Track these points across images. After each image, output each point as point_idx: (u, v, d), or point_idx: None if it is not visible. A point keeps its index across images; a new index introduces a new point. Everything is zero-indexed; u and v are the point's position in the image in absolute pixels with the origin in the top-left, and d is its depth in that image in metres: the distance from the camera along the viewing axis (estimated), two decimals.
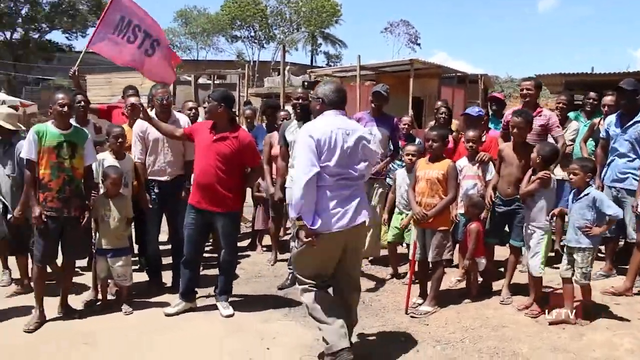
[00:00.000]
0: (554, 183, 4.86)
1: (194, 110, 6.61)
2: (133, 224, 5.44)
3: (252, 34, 47.47)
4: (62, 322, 4.65)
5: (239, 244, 5.61)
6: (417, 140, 7.22)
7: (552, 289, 5.28)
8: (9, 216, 5.19)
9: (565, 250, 4.80)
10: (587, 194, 4.60)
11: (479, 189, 5.51)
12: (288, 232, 6.69)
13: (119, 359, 4.04)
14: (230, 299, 5.03)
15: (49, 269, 4.79)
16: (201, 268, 5.40)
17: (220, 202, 4.77)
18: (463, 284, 5.56)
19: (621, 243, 6.06)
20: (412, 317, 4.84)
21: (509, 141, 5.31)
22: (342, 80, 17.75)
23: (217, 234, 5.06)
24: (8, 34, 34.25)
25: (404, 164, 6.24)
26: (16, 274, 5.57)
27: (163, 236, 5.91)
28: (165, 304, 5.02)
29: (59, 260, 4.83)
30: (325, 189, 3.70)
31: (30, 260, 5.03)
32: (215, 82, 22.79)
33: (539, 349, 4.19)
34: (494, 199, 5.23)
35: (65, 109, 4.52)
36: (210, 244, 6.74)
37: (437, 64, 15.72)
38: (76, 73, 6.31)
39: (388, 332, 4.54)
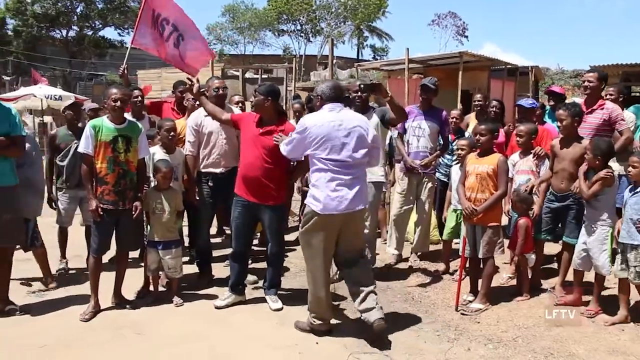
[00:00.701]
0: (616, 179, 4.68)
1: (240, 105, 6.64)
2: (185, 216, 5.52)
3: (299, 28, 47.58)
4: (116, 312, 4.76)
5: (286, 238, 5.64)
6: (467, 134, 7.09)
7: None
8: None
9: (618, 247, 4.61)
10: None
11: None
12: None
13: (169, 350, 4.10)
14: (278, 293, 5.05)
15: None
16: (250, 261, 5.44)
17: (267, 195, 4.78)
18: (514, 281, 5.44)
19: None
20: (462, 314, 4.77)
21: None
22: (389, 73, 17.63)
23: (264, 227, 5.08)
24: (64, 32, 35.32)
25: (454, 159, 6.15)
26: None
27: (213, 229, 5.99)
28: (214, 297, 5.09)
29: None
30: (324, 171, 4.15)
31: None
32: (262, 76, 22.95)
33: (596, 351, 4.06)
34: (546, 195, 5.09)
35: (119, 103, 4.61)
36: (257, 237, 6.79)
37: (487, 57, 15.37)
38: (126, 71, 6.43)
39: (438, 329, 4.47)
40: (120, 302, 4.87)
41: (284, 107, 17.24)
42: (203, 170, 5.45)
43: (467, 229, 4.97)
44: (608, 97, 5.96)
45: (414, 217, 6.18)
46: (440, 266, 6.00)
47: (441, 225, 6.95)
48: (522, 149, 5.50)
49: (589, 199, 4.61)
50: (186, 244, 6.10)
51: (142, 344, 4.18)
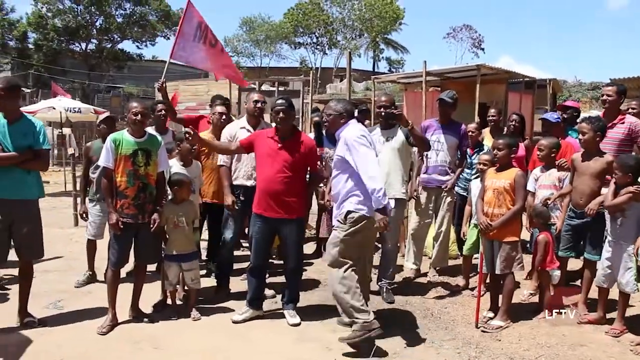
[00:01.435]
0: None
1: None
2: (206, 229, 5.50)
3: (315, 40, 47.83)
4: (133, 325, 4.74)
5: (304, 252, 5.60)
6: (486, 147, 7.03)
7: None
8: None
9: None
10: None
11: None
12: None
13: None
14: (297, 307, 5.01)
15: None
16: (267, 275, 5.42)
17: (287, 209, 4.77)
18: (536, 298, 5.36)
19: None
20: (483, 331, 4.69)
21: None
22: (406, 86, 17.60)
23: (283, 242, 5.06)
24: (84, 45, 35.82)
25: (473, 173, 6.10)
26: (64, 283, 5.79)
27: None
28: (232, 310, 5.07)
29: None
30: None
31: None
32: (279, 89, 23.06)
33: None
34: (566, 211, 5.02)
35: (139, 117, 4.63)
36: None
37: (505, 69, 15.32)
38: (164, 85, 6.46)
39: (459, 347, 4.39)
40: (137, 315, 4.86)
41: (301, 120, 17.27)
42: (235, 183, 5.43)
43: (485, 245, 4.91)
44: (630, 111, 5.88)
45: (432, 231, 6.12)
46: (460, 281, 5.94)
47: (460, 240, 6.87)
48: (544, 163, 5.43)
49: (611, 210, 4.53)
50: (203, 256, 6.08)
51: (159, 358, 4.16)
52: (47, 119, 17.97)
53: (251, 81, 22.10)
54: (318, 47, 48.10)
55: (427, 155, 5.92)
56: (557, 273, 5.02)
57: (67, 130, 18.25)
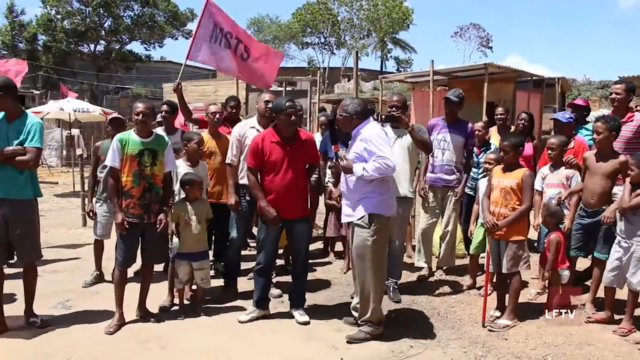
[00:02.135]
0: None
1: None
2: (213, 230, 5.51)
3: (322, 40, 47.83)
4: (140, 325, 4.76)
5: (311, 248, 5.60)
6: (494, 146, 7.00)
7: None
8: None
9: None
10: None
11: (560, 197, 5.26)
12: None
13: None
14: (304, 307, 5.01)
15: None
16: (274, 274, 5.42)
17: (299, 209, 4.82)
18: (543, 298, 5.33)
19: None
20: (490, 330, 4.68)
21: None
22: (414, 85, 17.55)
23: (292, 242, 5.05)
24: (92, 46, 36.00)
25: (480, 172, 6.08)
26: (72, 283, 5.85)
27: None
28: (239, 309, 5.08)
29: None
30: (384, 181, 4.45)
31: None
32: (287, 89, 23.05)
33: None
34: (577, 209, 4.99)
35: (141, 117, 4.63)
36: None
37: (513, 68, 15.22)
38: (180, 86, 6.48)
39: (465, 346, 4.38)
40: (144, 315, 4.87)
41: (309, 120, 17.21)
42: (241, 182, 5.42)
43: (492, 244, 4.89)
44: (639, 108, 5.84)
45: (438, 231, 6.10)
46: (467, 281, 5.91)
47: (467, 240, 6.85)
48: (554, 162, 5.39)
49: (626, 211, 4.49)
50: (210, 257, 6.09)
51: (166, 357, 4.17)
52: (56, 119, 18.08)
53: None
54: (326, 47, 48.10)
55: (433, 154, 5.90)
56: (567, 273, 4.97)
57: (75, 131, 18.37)
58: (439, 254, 6.16)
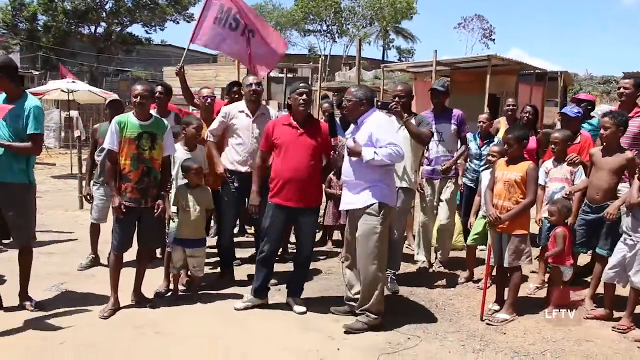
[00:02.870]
0: None
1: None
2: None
3: (325, 28, 47.55)
4: (135, 311, 4.71)
5: None
6: (497, 139, 6.94)
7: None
8: None
9: None
10: None
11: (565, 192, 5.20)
12: None
13: (189, 350, 4.04)
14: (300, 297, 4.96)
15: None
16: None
17: (309, 198, 4.69)
18: (542, 292, 5.29)
19: None
20: (488, 324, 4.63)
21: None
22: (416, 75, 17.43)
23: (298, 231, 4.90)
24: (93, 28, 35.68)
25: (482, 164, 6.02)
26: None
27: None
28: (234, 297, 5.04)
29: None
30: (390, 171, 4.54)
31: None
32: (288, 76, 22.93)
33: None
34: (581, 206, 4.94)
35: (139, 99, 4.53)
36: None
37: (516, 61, 15.13)
38: (182, 70, 6.40)
39: (463, 340, 4.33)
40: (140, 300, 4.82)
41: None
42: (229, 168, 5.36)
43: (494, 237, 4.83)
44: None
45: (437, 224, 6.05)
46: (465, 273, 5.86)
47: (467, 232, 6.80)
48: (558, 157, 5.33)
49: (634, 207, 4.42)
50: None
51: (162, 344, 4.13)
52: (55, 100, 17.96)
53: None
54: (328, 35, 47.82)
55: (428, 147, 5.81)
56: (570, 271, 4.92)
57: (74, 113, 18.25)
58: (437, 246, 6.11)
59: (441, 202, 5.87)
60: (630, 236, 4.48)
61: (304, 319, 4.69)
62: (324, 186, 6.57)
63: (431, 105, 5.96)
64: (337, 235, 7.07)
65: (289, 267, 5.67)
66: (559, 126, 7.22)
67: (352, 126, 4.63)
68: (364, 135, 4.36)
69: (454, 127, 5.83)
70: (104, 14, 35.07)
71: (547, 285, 5.30)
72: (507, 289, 4.85)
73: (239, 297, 5.02)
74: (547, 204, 5.23)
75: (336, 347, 4.13)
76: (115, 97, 6.92)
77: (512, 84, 15.32)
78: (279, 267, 5.71)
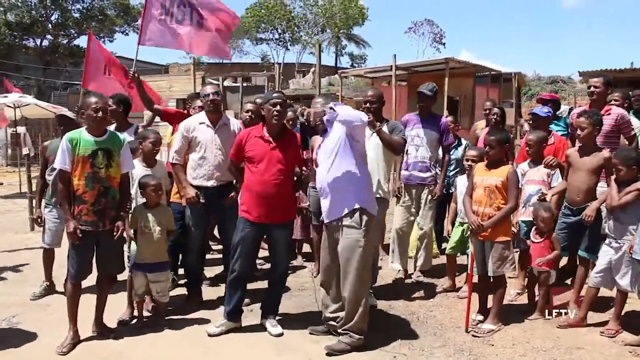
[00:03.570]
0: None
1: (250, 113, 5.65)
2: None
3: (277, 36, 47.32)
4: (97, 342, 4.33)
5: None
6: (465, 142, 6.82)
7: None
8: None
9: (631, 264, 4.29)
10: None
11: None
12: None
13: None
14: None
15: None
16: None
17: (281, 213, 4.44)
18: (523, 298, 5.15)
19: None
20: (474, 335, 4.44)
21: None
22: (373, 81, 17.39)
23: (272, 247, 4.64)
24: (38, 41, 34.51)
25: (452, 169, 5.88)
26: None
27: None
28: (204, 321, 4.71)
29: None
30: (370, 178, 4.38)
31: None
32: (243, 84, 22.57)
33: None
34: (561, 208, 4.81)
35: (100, 114, 4.17)
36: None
37: (473, 63, 15.29)
38: (136, 74, 5.99)
39: (451, 355, 4.12)
40: (102, 330, 4.43)
41: None
42: (194, 184, 5.02)
43: (476, 245, 4.64)
44: (613, 102, 5.73)
45: (414, 231, 5.84)
46: (444, 282, 5.66)
47: (439, 239, 6.65)
48: (533, 158, 5.20)
49: (614, 209, 4.31)
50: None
51: None
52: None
53: (213, 77, 21.54)
54: (280, 42, 47.60)
55: (407, 150, 5.63)
56: (554, 273, 4.80)
57: (21, 129, 17.46)
58: (416, 256, 5.90)
59: (421, 211, 5.67)
60: (615, 239, 4.37)
61: (280, 340, 4.39)
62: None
63: (391, 109, 5.78)
64: (306, 248, 6.80)
65: (260, 284, 5.37)
66: (526, 127, 7.16)
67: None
68: (334, 136, 4.13)
69: (437, 134, 5.64)
70: (50, 25, 33.96)
71: (526, 290, 5.16)
72: (490, 297, 4.68)
73: (208, 321, 4.69)
74: (523, 207, 5.11)
75: None
76: (65, 110, 6.46)
77: (469, 86, 15.50)
78: (249, 285, 5.42)
